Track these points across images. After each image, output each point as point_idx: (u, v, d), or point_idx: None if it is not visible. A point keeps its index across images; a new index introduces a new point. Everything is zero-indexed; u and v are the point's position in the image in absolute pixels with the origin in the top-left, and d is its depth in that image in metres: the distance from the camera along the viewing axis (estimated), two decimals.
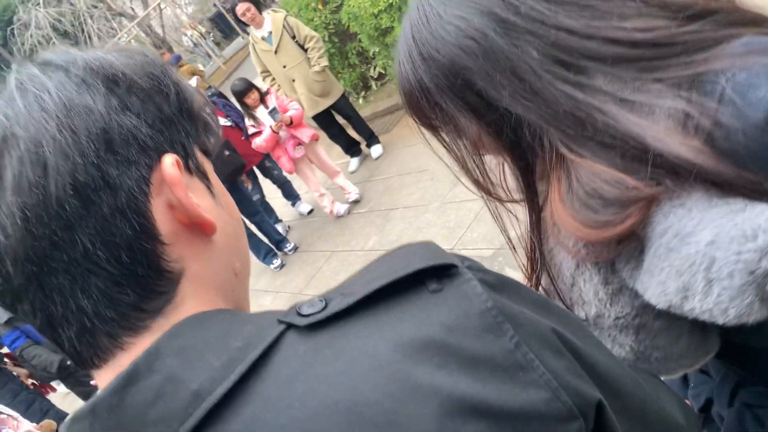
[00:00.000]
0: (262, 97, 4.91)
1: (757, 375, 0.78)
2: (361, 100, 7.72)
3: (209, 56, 22.72)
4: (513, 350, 0.41)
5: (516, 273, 2.60)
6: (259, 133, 4.82)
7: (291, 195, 6.10)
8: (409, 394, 0.38)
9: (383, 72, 7.05)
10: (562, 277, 0.74)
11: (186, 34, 24.52)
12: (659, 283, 0.61)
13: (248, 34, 5.47)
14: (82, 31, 20.29)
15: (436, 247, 0.49)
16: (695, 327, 0.68)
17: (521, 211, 0.85)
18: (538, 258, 0.80)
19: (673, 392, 0.63)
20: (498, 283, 0.45)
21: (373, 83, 7.58)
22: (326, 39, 6.93)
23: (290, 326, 0.44)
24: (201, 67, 12.68)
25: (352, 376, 0.39)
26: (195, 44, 24.17)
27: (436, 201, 4.28)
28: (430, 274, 0.44)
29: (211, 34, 25.92)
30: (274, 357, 0.41)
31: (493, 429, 0.38)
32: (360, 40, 6.75)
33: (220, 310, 0.51)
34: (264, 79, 5.75)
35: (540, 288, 0.82)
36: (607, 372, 0.48)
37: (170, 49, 23.96)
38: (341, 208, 5.27)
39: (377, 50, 6.23)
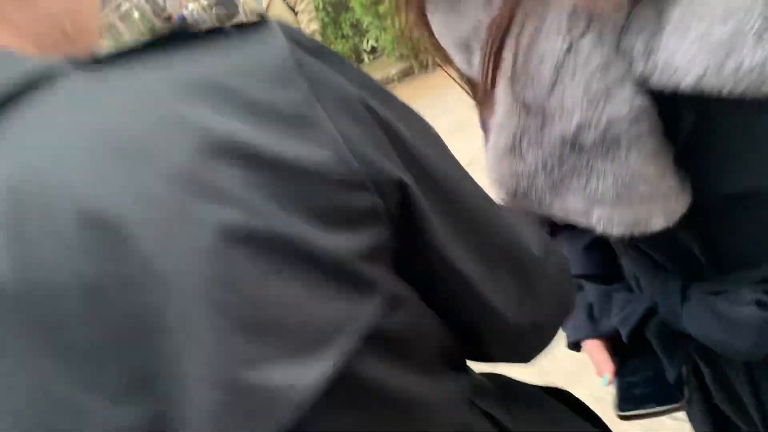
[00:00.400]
0: None
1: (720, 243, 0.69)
2: None
3: None
4: (300, 103, 0.38)
5: None
6: None
7: None
8: (170, 128, 0.36)
9: (375, 45, 7.02)
10: (538, 79, 0.62)
11: (187, 7, 24.13)
12: (696, 38, 0.50)
13: None
14: None
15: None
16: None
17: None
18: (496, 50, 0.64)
19: (533, 226, 0.59)
20: (314, 48, 0.42)
21: (365, 56, 7.55)
22: (320, 8, 6.88)
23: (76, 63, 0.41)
24: None
25: (117, 108, 0.37)
26: (197, 19, 23.73)
27: None
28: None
29: (214, 9, 25.50)
30: (45, 88, 0.39)
31: (256, 174, 0.36)
32: (354, 11, 6.70)
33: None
34: None
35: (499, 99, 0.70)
36: (429, 163, 0.45)
37: (169, 18, 23.63)
38: None
39: (370, 21, 6.19)
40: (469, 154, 4.04)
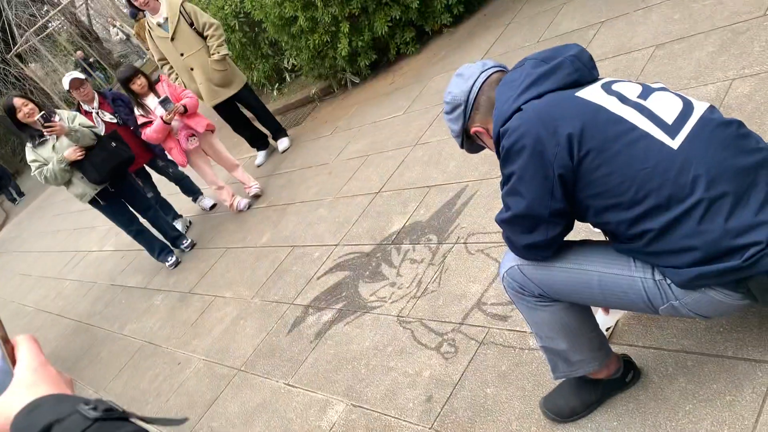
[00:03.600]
0: (152, 86, 5.12)
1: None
2: (275, 92, 7.99)
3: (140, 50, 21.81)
4: None
5: (391, 269, 3.04)
6: (149, 123, 5.02)
7: (191, 191, 6.27)
8: None
9: (296, 64, 7.35)
10: None
11: (115, 25, 23.44)
12: None
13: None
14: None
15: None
16: None
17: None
18: None
19: None
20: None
21: (287, 75, 7.86)
22: (238, 28, 7.15)
23: None
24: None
25: None
26: (127, 36, 23.05)
27: (330, 195, 4.56)
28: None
29: None
30: None
31: None
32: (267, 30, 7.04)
33: None
34: (161, 67, 5.87)
35: None
36: None
37: (97, 39, 22.85)
38: (242, 202, 5.49)
39: (285, 40, 6.53)
40: (382, 180, 4.49)
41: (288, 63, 7.41)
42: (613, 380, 1.90)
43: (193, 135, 5.14)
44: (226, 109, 5.95)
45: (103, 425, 0.65)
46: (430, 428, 2.30)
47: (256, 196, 5.52)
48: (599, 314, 2.12)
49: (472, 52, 5.07)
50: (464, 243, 3.07)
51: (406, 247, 3.38)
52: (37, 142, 4.75)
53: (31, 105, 4.66)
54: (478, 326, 2.55)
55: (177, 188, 6.30)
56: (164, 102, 4.85)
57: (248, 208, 5.46)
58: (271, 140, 6.37)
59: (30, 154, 4.79)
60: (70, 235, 9.70)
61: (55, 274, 8.27)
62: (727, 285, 1.48)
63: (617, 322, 2.16)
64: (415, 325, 2.82)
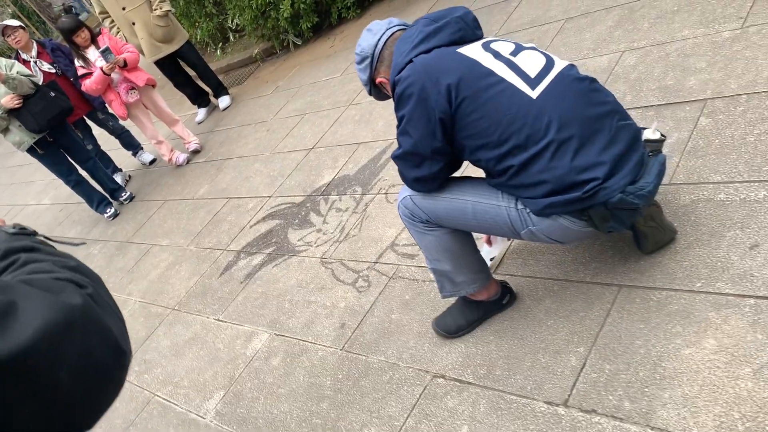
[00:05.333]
0: (94, 39, 5.17)
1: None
2: (218, 51, 8.04)
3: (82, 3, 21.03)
4: None
5: (318, 217, 3.32)
6: (89, 74, 5.09)
7: (131, 145, 6.35)
8: None
9: (239, 24, 7.44)
10: None
11: None
12: None
13: None
14: None
15: None
16: None
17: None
18: None
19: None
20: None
21: (231, 34, 7.93)
22: None
23: None
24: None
25: None
26: None
27: (267, 151, 4.79)
28: None
29: None
30: None
31: None
32: None
33: None
34: (103, 21, 5.91)
35: None
36: None
37: None
38: (181, 157, 5.63)
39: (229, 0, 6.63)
40: (316, 137, 4.75)
41: (232, 23, 7.48)
42: (493, 302, 2.23)
43: (134, 88, 5.24)
44: (168, 65, 6.03)
45: (21, 236, 0.79)
46: (341, 350, 2.59)
47: (195, 152, 5.67)
48: (484, 248, 2.44)
49: (411, 17, 5.31)
50: (385, 193, 3.36)
51: (334, 197, 3.64)
52: None
53: None
54: (390, 264, 2.84)
55: (117, 143, 6.37)
56: (105, 53, 4.91)
57: (187, 162, 5.61)
58: (212, 98, 6.49)
59: None
60: (5, 189, 9.57)
61: None
62: (573, 213, 1.80)
63: (503, 253, 2.48)
64: (335, 265, 3.10)
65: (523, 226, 1.89)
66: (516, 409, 1.93)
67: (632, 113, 2.65)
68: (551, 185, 1.76)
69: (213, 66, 7.36)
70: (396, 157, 1.95)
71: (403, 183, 2.04)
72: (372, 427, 2.19)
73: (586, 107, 1.78)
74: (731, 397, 1.61)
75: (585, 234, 1.89)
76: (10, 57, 5.46)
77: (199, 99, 6.41)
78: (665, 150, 2.39)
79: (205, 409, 2.79)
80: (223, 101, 6.29)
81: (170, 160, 5.63)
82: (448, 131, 1.82)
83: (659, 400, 1.70)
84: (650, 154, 1.87)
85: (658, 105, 2.61)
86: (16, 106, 4.77)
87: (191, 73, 6.37)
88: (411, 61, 1.85)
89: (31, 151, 5.14)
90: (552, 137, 1.73)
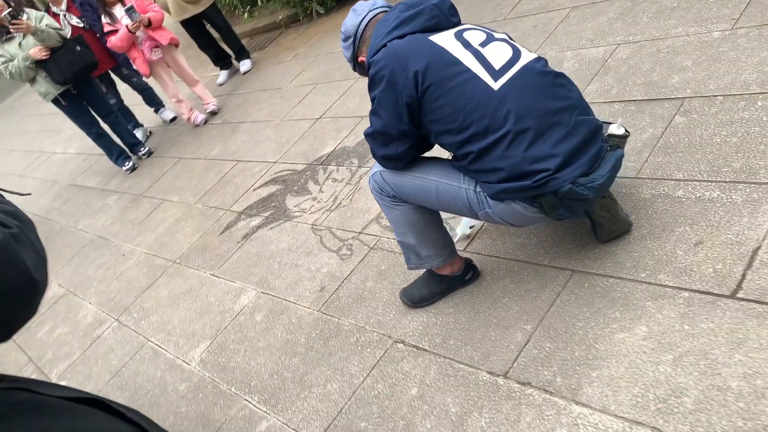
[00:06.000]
0: None
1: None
2: (246, 14, 8.17)
3: None
4: None
5: (316, 186, 3.49)
6: (115, 31, 5.27)
7: (153, 102, 6.56)
8: None
9: None
10: None
11: None
12: None
13: None
14: None
15: None
16: None
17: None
18: None
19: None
20: None
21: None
22: None
23: None
24: None
25: None
26: None
27: (278, 118, 4.94)
28: None
29: None
30: None
31: None
32: None
33: None
34: None
35: None
36: None
37: None
38: (199, 117, 5.81)
39: None
40: (325, 107, 4.90)
41: None
42: (456, 277, 2.36)
43: (157, 47, 5.40)
44: (193, 26, 6.18)
45: None
46: (317, 311, 2.76)
47: (213, 113, 5.84)
48: (464, 218, 2.57)
49: None
50: None
51: (332, 168, 3.78)
52: (4, 38, 4.98)
53: (0, 2, 4.87)
54: (372, 235, 2.99)
55: (141, 99, 6.58)
56: (129, 11, 5.08)
57: (204, 123, 5.79)
58: (234, 61, 6.63)
59: None
60: (36, 136, 9.91)
61: (19, 172, 8.54)
62: (525, 200, 1.91)
63: (482, 225, 2.60)
64: (324, 233, 3.25)
65: (480, 208, 2.01)
66: (462, 376, 2.08)
67: (615, 106, 2.73)
68: (506, 173, 1.87)
69: (239, 29, 7.50)
70: (367, 135, 2.07)
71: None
72: (334, 383, 2.36)
73: (545, 101, 1.88)
74: (650, 380, 1.73)
75: (536, 219, 2.00)
76: (40, 9, 5.66)
77: (221, 61, 6.56)
78: (638, 145, 2.48)
79: (191, 356, 2.99)
80: (244, 65, 6.43)
81: (189, 119, 5.81)
82: (414, 115, 1.94)
83: (587, 378, 1.83)
84: (609, 148, 1.97)
85: (640, 100, 2.68)
86: (44, 57, 4.98)
87: (215, 35, 6.51)
88: (385, 45, 1.96)
89: (55, 101, 5.36)
90: (509, 128, 1.84)
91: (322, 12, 6.56)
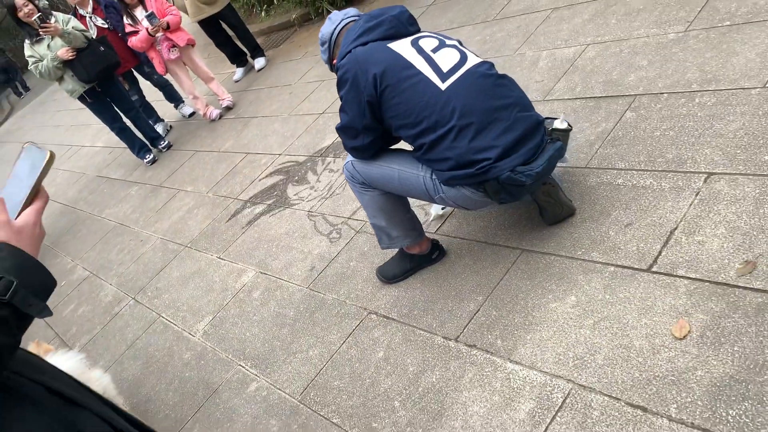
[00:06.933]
0: None
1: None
2: (263, 13, 8.51)
3: None
4: None
5: (314, 176, 3.81)
6: (136, 32, 5.64)
7: (173, 98, 6.95)
8: None
9: None
10: None
11: None
12: None
13: None
14: None
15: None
16: None
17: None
18: None
19: None
20: None
21: None
22: None
23: None
24: None
25: None
26: None
27: (286, 113, 5.26)
28: None
29: None
30: None
31: None
32: None
33: None
34: None
35: None
36: None
37: None
38: (214, 112, 6.17)
39: None
40: (328, 103, 5.18)
41: None
42: (423, 256, 2.65)
43: (175, 46, 5.76)
44: (210, 26, 6.53)
45: None
46: (307, 288, 3.07)
47: (228, 108, 6.19)
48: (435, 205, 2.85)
49: None
50: None
51: (329, 159, 4.09)
52: (34, 40, 5.39)
53: (30, 6, 5.27)
54: (359, 220, 3.29)
55: (162, 95, 6.97)
56: (150, 17, 5.45)
57: (219, 117, 6.14)
58: (249, 59, 6.98)
59: (27, 50, 5.44)
60: (67, 130, 10.41)
61: None
62: (471, 185, 2.19)
63: (452, 210, 2.88)
64: (318, 218, 3.56)
65: (435, 193, 2.30)
66: (421, 341, 2.37)
67: (577, 102, 2.98)
68: (453, 161, 2.16)
69: (256, 27, 7.84)
70: (337, 129, 2.37)
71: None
72: (316, 349, 2.67)
73: (487, 99, 2.16)
74: (572, 341, 2.00)
75: (484, 203, 2.28)
76: (67, 12, 6.06)
77: (237, 59, 6.90)
78: (591, 138, 2.73)
79: (196, 329, 3.33)
80: (259, 62, 6.77)
81: (205, 114, 6.17)
82: (376, 111, 2.23)
83: (522, 341, 2.11)
84: (549, 141, 2.24)
85: (599, 97, 2.93)
86: (70, 57, 5.37)
87: (231, 33, 6.85)
88: (350, 51, 2.25)
89: (81, 98, 5.77)
90: (454, 123, 2.12)
91: (332, 11, 6.84)
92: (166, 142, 6.35)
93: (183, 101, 6.96)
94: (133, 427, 1.25)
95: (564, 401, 1.86)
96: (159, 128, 6.69)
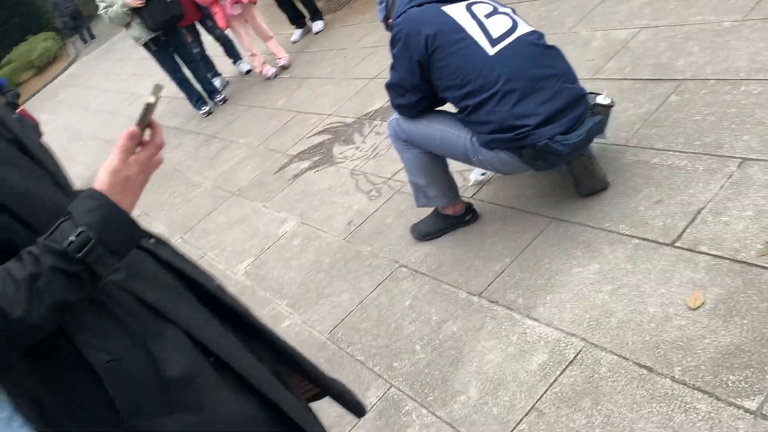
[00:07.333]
0: None
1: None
2: None
3: None
4: None
5: (360, 138, 3.95)
6: None
7: (232, 54, 7.15)
8: None
9: None
10: None
11: None
12: None
13: None
14: None
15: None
16: None
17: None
18: None
19: None
20: None
21: None
22: None
23: None
24: None
25: None
26: None
27: (339, 76, 5.40)
28: None
29: None
30: None
31: None
32: None
33: None
34: None
35: None
36: None
37: None
38: (270, 70, 6.35)
39: None
40: (380, 69, 5.29)
41: None
42: (457, 217, 2.76)
43: (238, 2, 5.93)
44: None
45: None
46: (343, 240, 3.23)
47: (284, 67, 6.35)
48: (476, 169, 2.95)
49: None
50: None
51: (377, 122, 4.21)
52: None
53: None
54: (399, 181, 3.41)
55: (222, 50, 7.18)
56: None
57: (275, 76, 6.31)
58: (308, 21, 7.11)
59: None
60: (129, 78, 10.78)
61: (110, 110, 9.41)
62: (510, 150, 2.29)
63: (492, 175, 2.98)
64: (360, 177, 3.70)
65: (474, 155, 2.40)
66: (446, 294, 2.50)
67: (624, 83, 3.03)
68: (494, 125, 2.25)
69: None
70: (386, 86, 2.49)
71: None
72: (347, 294, 2.83)
73: (533, 68, 2.24)
74: (589, 304, 2.10)
75: (520, 168, 2.38)
76: None
77: (296, 20, 7.04)
78: (633, 118, 2.78)
79: (238, 269, 3.53)
80: (317, 25, 6.90)
81: (261, 72, 6.35)
82: (424, 71, 2.33)
83: (542, 301, 2.22)
84: (590, 114, 2.32)
85: (646, 79, 2.97)
86: (139, 5, 5.60)
87: None
88: (405, 11, 2.35)
89: (146, 46, 6.01)
90: (499, 88, 2.22)
91: None
92: (223, 96, 6.56)
93: (241, 58, 7.15)
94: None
95: (575, 357, 1.97)
96: (216, 82, 6.91)
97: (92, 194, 0.95)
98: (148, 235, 1.22)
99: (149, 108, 1.01)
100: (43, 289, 0.86)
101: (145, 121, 1.01)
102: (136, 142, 1.01)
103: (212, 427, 1.06)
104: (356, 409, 1.48)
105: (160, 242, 1.26)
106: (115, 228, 0.95)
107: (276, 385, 1.21)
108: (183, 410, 1.03)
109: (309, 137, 4.61)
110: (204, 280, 1.26)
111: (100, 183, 0.96)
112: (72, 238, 0.89)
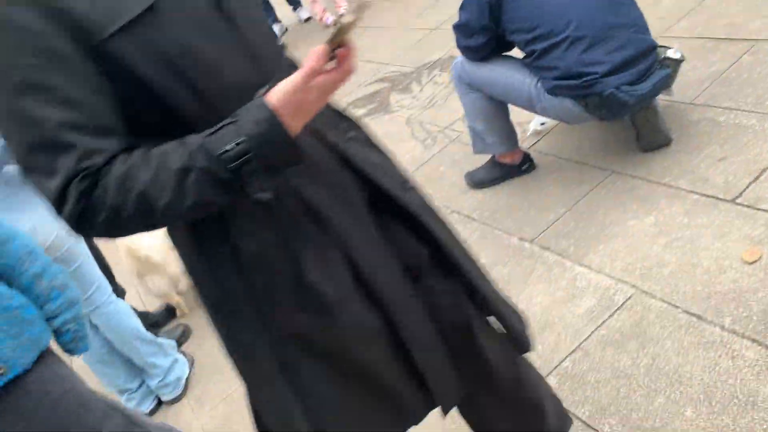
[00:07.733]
0: None
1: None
2: None
3: None
4: None
5: (417, 87, 3.91)
6: None
7: (292, 0, 7.20)
8: None
9: None
10: None
11: None
12: None
13: None
14: None
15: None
16: None
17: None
18: None
19: None
20: None
21: None
22: None
23: None
24: None
25: None
26: None
27: (400, 26, 5.38)
28: None
29: None
30: None
31: None
32: None
33: None
34: None
35: None
36: None
37: None
38: (330, 18, 6.38)
39: None
40: (441, 20, 5.22)
41: None
42: (514, 166, 2.78)
43: None
44: None
45: None
46: None
47: (342, 15, 6.34)
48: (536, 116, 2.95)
49: None
50: None
51: (435, 72, 4.21)
52: None
53: None
54: (455, 131, 3.43)
55: None
56: None
57: (334, 24, 6.30)
58: None
59: None
60: None
61: None
62: (575, 98, 2.29)
63: (553, 125, 2.97)
64: (415, 125, 3.73)
65: (537, 101, 2.41)
66: (498, 239, 2.54)
67: (697, 42, 2.96)
68: (561, 71, 2.25)
69: None
70: (455, 27, 2.50)
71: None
72: None
73: (604, 15, 2.22)
74: (641, 255, 2.12)
75: (583, 117, 2.38)
76: None
77: None
78: (702, 76, 2.73)
79: None
80: None
81: (321, 19, 6.37)
82: (494, 13, 2.34)
83: (594, 249, 2.24)
84: (659, 67, 2.29)
85: (719, 38, 2.89)
86: None
87: None
88: None
89: None
90: (568, 33, 2.21)
91: None
92: (282, 42, 6.59)
93: (301, 5, 7.17)
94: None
95: (624, 303, 2.00)
96: (276, 28, 6.95)
97: (262, 105, 0.89)
98: (344, 124, 1.19)
99: (342, 28, 0.90)
100: (191, 185, 0.87)
101: (336, 40, 0.91)
102: (324, 62, 0.89)
103: (339, 333, 1.09)
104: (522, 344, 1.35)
105: (355, 130, 1.21)
106: (276, 147, 0.89)
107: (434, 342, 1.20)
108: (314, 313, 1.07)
109: (366, 85, 4.64)
110: (386, 181, 1.19)
111: (275, 96, 0.89)
112: (231, 146, 0.86)
